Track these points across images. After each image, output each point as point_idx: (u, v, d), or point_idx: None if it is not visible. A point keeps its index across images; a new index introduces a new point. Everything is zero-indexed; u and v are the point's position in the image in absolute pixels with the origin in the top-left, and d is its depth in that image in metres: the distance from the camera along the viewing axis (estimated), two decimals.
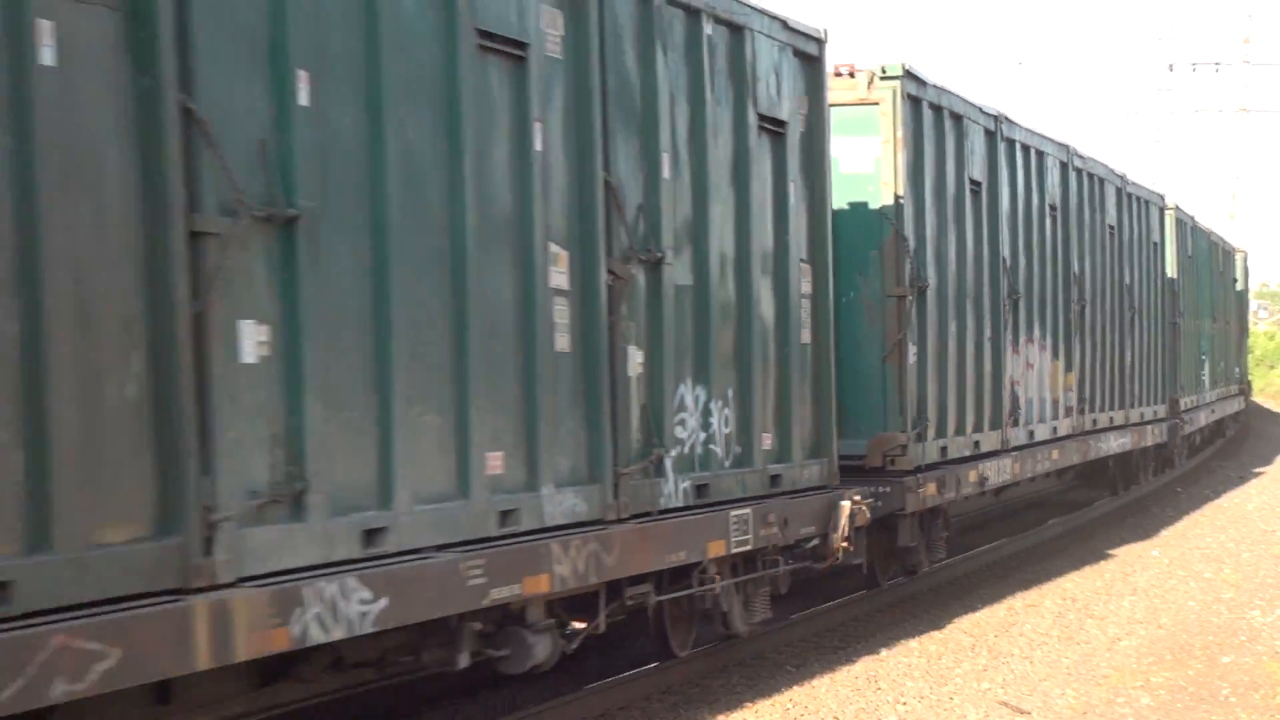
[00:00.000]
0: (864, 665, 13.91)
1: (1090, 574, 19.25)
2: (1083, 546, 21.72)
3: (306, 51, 8.06)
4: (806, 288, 13.78)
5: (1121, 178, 24.87)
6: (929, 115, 16.41)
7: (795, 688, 13.01)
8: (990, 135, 18.38)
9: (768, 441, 13.12)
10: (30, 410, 6.61)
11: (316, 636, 7.86)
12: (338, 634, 8.02)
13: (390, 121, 8.65)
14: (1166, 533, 23.11)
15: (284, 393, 7.95)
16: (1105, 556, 20.69)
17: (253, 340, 7.75)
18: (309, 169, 8.07)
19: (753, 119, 12.77)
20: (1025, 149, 19.58)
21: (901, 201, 15.62)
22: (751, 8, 12.86)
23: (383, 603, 8.24)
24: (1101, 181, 23.50)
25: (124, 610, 6.91)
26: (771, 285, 13.26)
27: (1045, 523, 24.17)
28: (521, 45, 9.84)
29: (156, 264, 7.20)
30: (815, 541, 13.73)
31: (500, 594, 9.29)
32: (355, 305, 8.47)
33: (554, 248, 10.22)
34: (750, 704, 12.48)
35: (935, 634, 15.38)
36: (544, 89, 10.10)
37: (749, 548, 12.37)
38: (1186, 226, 31.23)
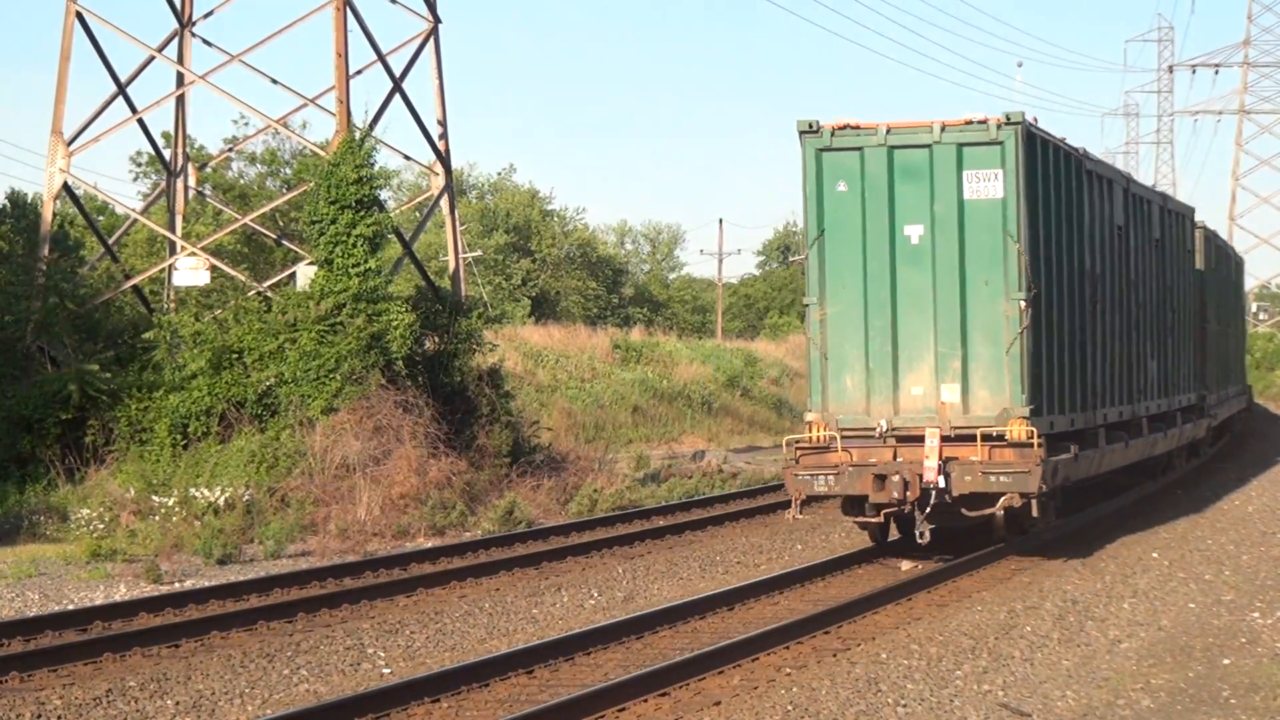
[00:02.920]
0: (864, 668, 13.91)
1: (1090, 576, 19.24)
2: (1083, 549, 21.70)
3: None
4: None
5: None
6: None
7: (796, 690, 13.01)
8: None
9: None
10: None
11: None
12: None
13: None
14: (1166, 535, 23.10)
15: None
16: (1105, 559, 20.68)
17: None
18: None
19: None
20: None
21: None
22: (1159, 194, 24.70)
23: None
24: None
25: None
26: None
27: None
28: None
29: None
30: None
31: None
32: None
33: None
34: (750, 706, 12.48)
35: (936, 636, 15.37)
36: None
37: None
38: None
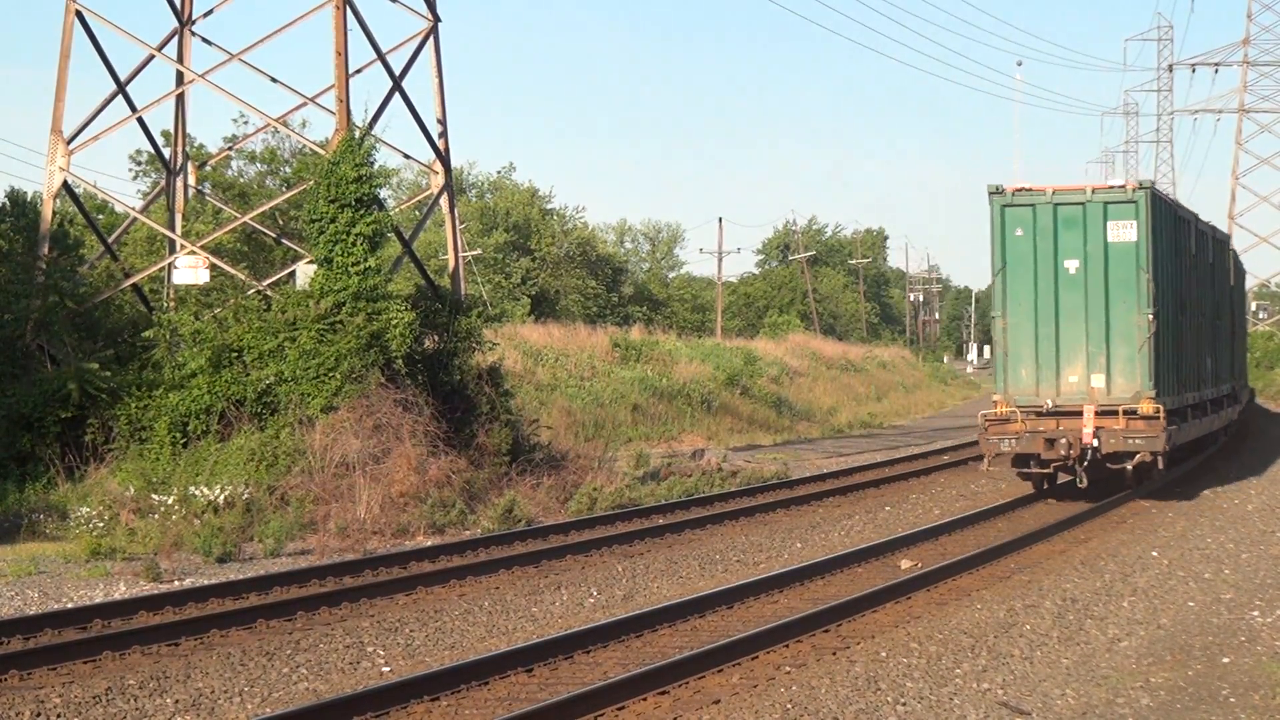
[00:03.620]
0: (864, 666, 13.91)
1: (1090, 575, 19.25)
2: (1082, 547, 21.72)
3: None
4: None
5: None
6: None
7: (795, 688, 13.01)
8: None
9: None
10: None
11: None
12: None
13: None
14: (1166, 534, 23.11)
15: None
16: (1105, 557, 20.69)
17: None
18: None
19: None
20: None
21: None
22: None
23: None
24: None
25: None
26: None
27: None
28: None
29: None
30: None
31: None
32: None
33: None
34: (750, 705, 12.48)
35: (935, 635, 15.37)
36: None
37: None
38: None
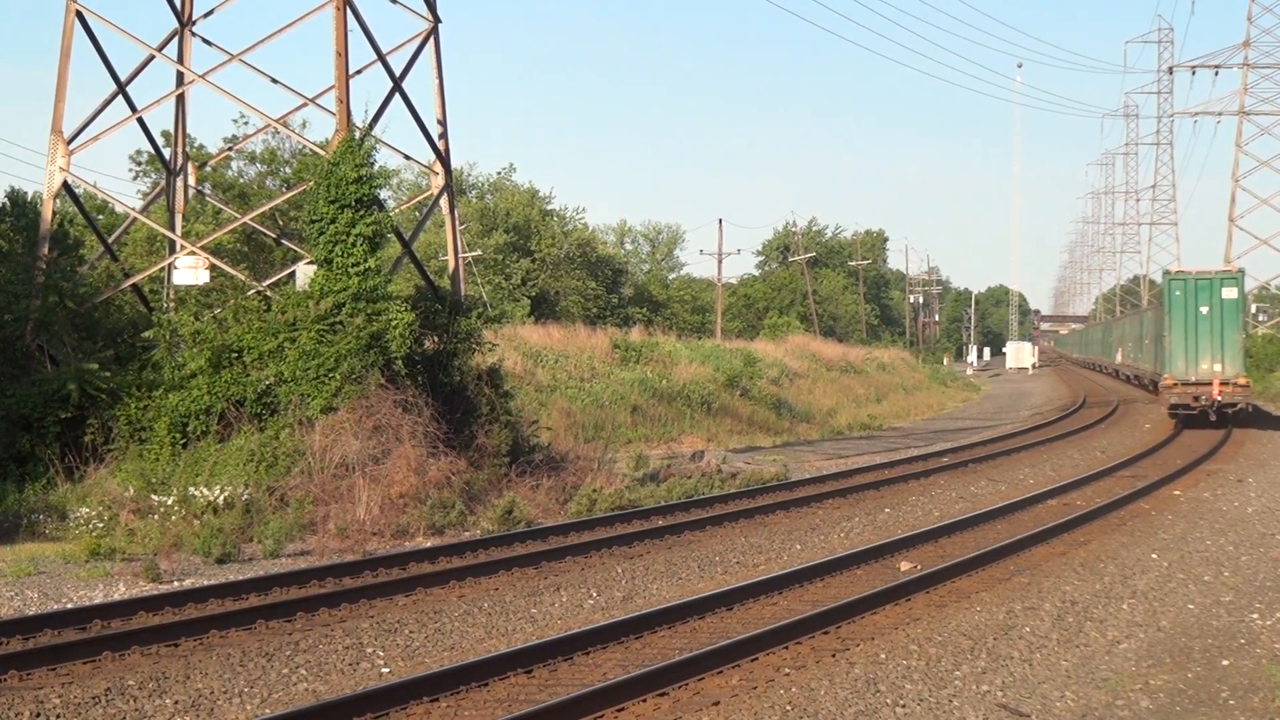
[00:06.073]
0: (863, 668, 13.91)
1: (1089, 577, 19.25)
2: (1082, 550, 21.73)
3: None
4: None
5: None
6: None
7: (794, 690, 13.02)
8: None
9: None
10: None
11: None
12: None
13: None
14: (1165, 536, 23.12)
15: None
16: (1104, 560, 20.70)
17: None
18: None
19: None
20: None
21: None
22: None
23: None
24: None
25: None
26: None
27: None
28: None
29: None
30: None
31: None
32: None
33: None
34: (749, 706, 12.48)
35: (935, 637, 15.38)
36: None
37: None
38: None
